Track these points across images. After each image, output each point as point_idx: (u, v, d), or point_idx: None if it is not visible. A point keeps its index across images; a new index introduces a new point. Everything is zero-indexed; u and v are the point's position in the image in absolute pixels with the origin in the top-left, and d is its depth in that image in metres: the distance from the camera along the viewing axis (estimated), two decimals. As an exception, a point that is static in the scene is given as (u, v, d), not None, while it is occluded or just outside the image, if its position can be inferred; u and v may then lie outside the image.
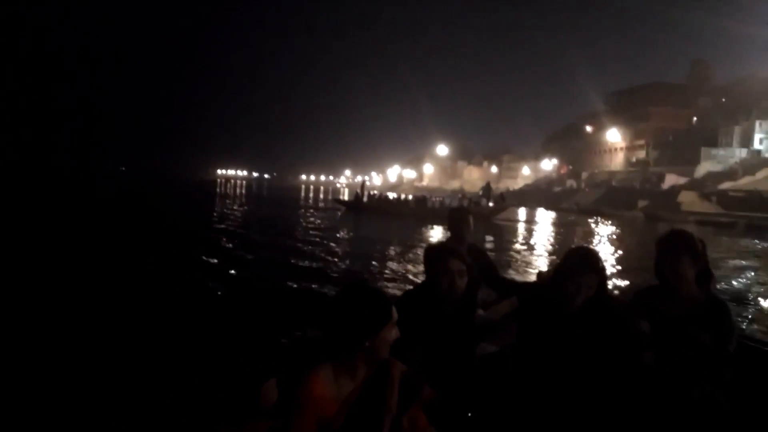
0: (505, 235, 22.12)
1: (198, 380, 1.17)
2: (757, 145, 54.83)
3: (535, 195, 65.02)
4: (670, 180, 52.52)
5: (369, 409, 1.57)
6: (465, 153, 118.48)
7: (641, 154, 68.45)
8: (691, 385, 2.10)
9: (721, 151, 55.63)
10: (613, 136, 73.43)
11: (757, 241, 23.53)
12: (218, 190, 71.75)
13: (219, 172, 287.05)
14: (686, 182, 51.17)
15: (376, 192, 52.36)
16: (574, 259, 2.26)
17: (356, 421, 1.53)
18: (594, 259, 2.24)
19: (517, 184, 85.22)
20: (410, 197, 39.99)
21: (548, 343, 2.21)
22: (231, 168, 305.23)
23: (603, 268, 2.24)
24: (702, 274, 2.25)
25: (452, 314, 2.35)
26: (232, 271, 10.33)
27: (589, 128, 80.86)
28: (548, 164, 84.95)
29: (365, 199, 35.02)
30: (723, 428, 2.03)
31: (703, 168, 53.71)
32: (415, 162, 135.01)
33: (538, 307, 2.32)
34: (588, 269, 2.19)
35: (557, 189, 67.48)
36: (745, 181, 46.30)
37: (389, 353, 1.66)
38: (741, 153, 54.62)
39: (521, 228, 28.10)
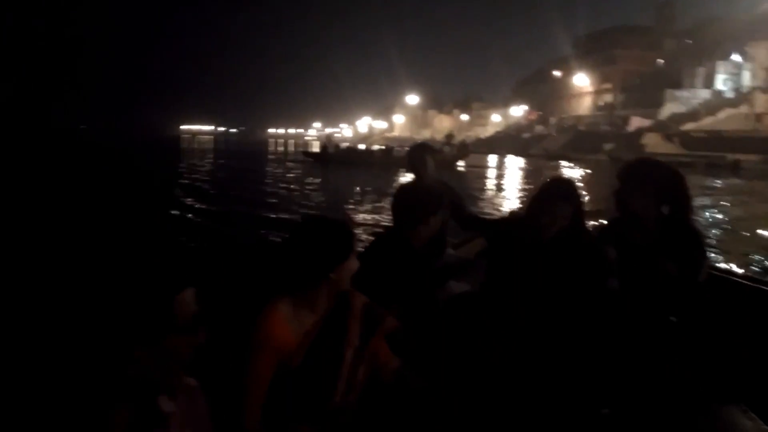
0: (471, 181, 22.33)
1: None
2: (719, 86, 55.64)
3: (505, 142, 65.17)
4: (635, 122, 53.19)
5: (330, 341, 1.55)
6: (435, 102, 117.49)
7: (608, 97, 68.84)
8: (657, 314, 2.10)
9: (684, 93, 56.34)
10: (581, 80, 73.51)
11: (717, 180, 24.21)
12: (183, 146, 70.08)
13: (184, 128, 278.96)
14: (651, 124, 51.93)
15: (346, 144, 51.94)
16: (550, 188, 2.24)
17: (317, 355, 1.51)
18: (570, 188, 2.23)
19: (488, 131, 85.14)
20: (376, 147, 40.20)
21: (520, 276, 2.20)
22: (196, 123, 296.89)
23: (579, 198, 2.22)
24: (675, 204, 2.20)
25: (422, 256, 2.28)
26: (196, 221, 10.28)
27: (557, 73, 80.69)
28: (518, 111, 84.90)
29: (332, 150, 35.10)
30: (688, 357, 2.05)
31: (668, 110, 54.45)
32: (386, 112, 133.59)
33: (511, 239, 2.29)
34: (563, 198, 2.18)
35: (526, 135, 67.74)
36: (707, 122, 47.20)
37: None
38: (704, 94, 55.46)
39: (490, 174, 28.52)
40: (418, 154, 3.26)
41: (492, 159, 42.00)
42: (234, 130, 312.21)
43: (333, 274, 1.54)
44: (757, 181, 24.28)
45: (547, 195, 2.21)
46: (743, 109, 47.15)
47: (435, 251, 2.48)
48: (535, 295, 2.17)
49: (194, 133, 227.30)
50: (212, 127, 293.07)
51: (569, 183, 2.28)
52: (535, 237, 2.22)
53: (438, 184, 3.08)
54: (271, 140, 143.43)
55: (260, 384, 1.47)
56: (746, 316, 2.35)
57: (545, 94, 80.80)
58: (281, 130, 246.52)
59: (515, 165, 37.29)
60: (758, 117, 43.43)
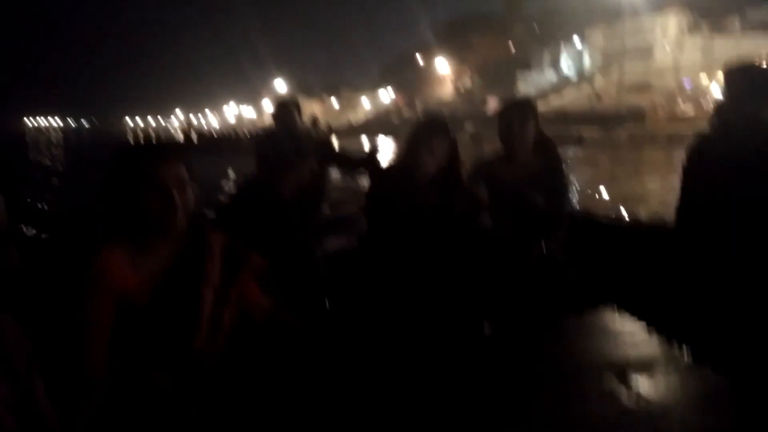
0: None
1: None
2: (564, 69, 61.34)
3: (376, 127, 66.15)
4: (493, 104, 56.64)
5: (183, 280, 1.44)
6: (305, 87, 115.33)
7: (467, 82, 72.89)
8: (529, 245, 2.29)
9: (534, 75, 61.51)
10: (442, 65, 76.83)
11: (568, 152, 26.76)
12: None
13: (28, 122, 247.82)
14: (507, 105, 55.61)
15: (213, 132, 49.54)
16: (426, 124, 2.29)
17: (167, 294, 1.41)
18: (446, 124, 2.29)
19: (358, 117, 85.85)
20: (245, 133, 39.07)
21: (399, 219, 2.23)
22: (42, 115, 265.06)
23: (453, 135, 2.29)
24: (539, 141, 2.46)
25: (293, 207, 2.28)
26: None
27: (421, 58, 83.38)
28: (386, 95, 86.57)
29: (196, 139, 33.52)
30: (562, 282, 2.20)
31: (520, 91, 58.84)
32: (254, 98, 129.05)
33: (389, 181, 2.32)
34: (440, 134, 2.23)
35: (396, 120, 69.34)
36: (554, 101, 51.75)
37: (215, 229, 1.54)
38: (550, 76, 60.90)
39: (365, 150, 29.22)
40: (285, 108, 3.22)
41: (364, 140, 42.80)
42: (86, 124, 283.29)
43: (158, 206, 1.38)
44: (598, 150, 27.19)
45: (423, 131, 2.27)
46: (585, 89, 52.30)
47: (310, 205, 2.50)
48: (414, 238, 2.22)
49: (38, 128, 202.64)
50: (59, 123, 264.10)
51: (444, 119, 2.37)
52: (414, 176, 2.26)
53: (307, 135, 3.07)
54: (130, 131, 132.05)
55: (99, 327, 1.36)
56: (606, 242, 2.71)
57: (411, 79, 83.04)
58: (140, 121, 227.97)
59: (388, 144, 38.27)
60: (598, 96, 48.36)
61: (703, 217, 1.92)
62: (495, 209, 2.38)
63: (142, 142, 1.47)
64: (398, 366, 1.76)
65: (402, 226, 2.27)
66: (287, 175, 2.24)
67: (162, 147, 1.47)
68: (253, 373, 1.59)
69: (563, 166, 2.53)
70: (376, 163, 2.59)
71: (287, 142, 2.32)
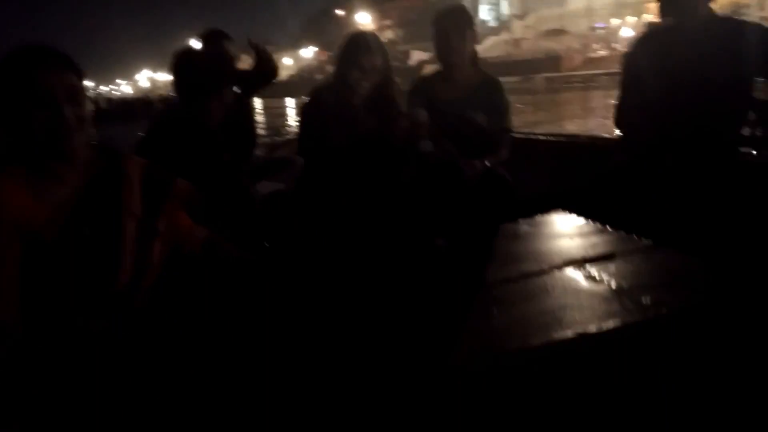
0: (274, 118, 22.39)
1: None
2: (483, 16, 61.64)
3: (300, 85, 64.63)
4: (416, 56, 56.45)
5: (97, 212, 1.30)
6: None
7: (390, 34, 71.90)
8: (472, 163, 2.24)
9: (455, 26, 61.64)
10: (363, 18, 75.35)
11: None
12: None
13: None
14: (429, 57, 55.49)
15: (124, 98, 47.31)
16: (355, 40, 2.16)
17: (81, 227, 1.26)
18: (375, 39, 2.17)
19: (281, 75, 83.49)
20: (157, 97, 37.58)
21: (335, 149, 2.13)
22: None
23: (385, 49, 2.18)
24: (476, 59, 2.41)
25: (221, 143, 2.12)
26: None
27: (341, 12, 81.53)
28: (308, 52, 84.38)
29: (104, 106, 32.17)
30: (509, 200, 2.25)
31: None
32: (169, 64, 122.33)
33: (321, 106, 2.19)
34: (371, 50, 2.11)
35: (319, 77, 68.02)
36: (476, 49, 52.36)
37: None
38: (471, 25, 61.28)
39: (290, 112, 28.69)
40: (212, 38, 3.00)
41: (289, 101, 41.92)
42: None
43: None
44: (516, 96, 27.99)
45: (352, 48, 2.15)
46: (504, 36, 52.98)
47: (239, 141, 2.35)
48: (353, 168, 2.15)
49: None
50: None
51: (373, 34, 2.24)
52: (348, 98, 2.15)
53: (231, 62, 2.89)
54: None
55: (1, 265, 1.19)
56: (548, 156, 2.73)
57: (333, 33, 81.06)
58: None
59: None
60: (516, 42, 49.23)
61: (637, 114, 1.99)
62: (436, 131, 2.31)
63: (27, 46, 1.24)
64: (349, 295, 1.66)
65: (339, 157, 2.16)
66: (211, 102, 2.07)
67: (48, 50, 1.24)
68: (190, 313, 1.44)
69: (501, 83, 2.48)
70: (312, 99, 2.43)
71: (210, 67, 2.11)
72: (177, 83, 2.11)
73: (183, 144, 1.96)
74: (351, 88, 2.13)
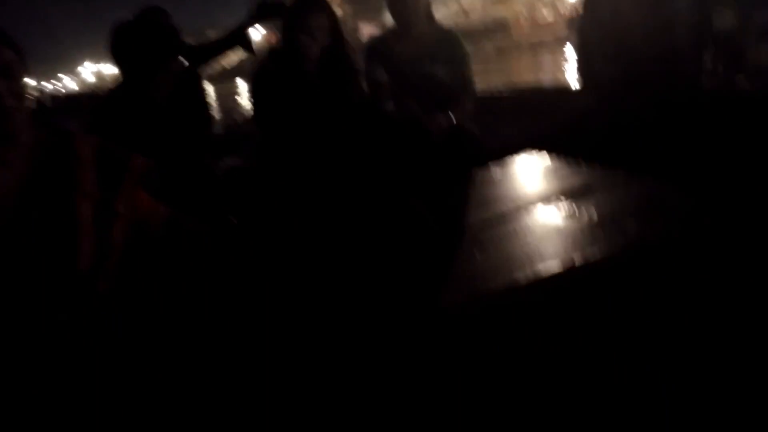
0: (225, 100, 22.11)
1: None
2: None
3: (251, 67, 63.45)
4: (366, 30, 55.95)
5: (49, 195, 1.22)
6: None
7: (338, 10, 71.04)
8: (436, 119, 2.18)
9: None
10: (311, -5, 74.45)
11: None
12: None
13: None
14: (379, 30, 55.16)
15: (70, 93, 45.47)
16: (299, 3, 2.06)
17: (30, 211, 1.20)
18: (321, 0, 2.07)
19: (232, 60, 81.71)
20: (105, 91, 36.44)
21: (292, 119, 2.04)
22: None
23: (331, 8, 2.10)
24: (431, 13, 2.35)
25: (171, 118, 2.03)
26: None
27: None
28: (257, 35, 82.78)
29: (49, 104, 30.76)
30: (478, 154, 2.14)
31: (388, 16, 58.41)
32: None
33: (271, 77, 2.09)
34: (316, 10, 2.02)
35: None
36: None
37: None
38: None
39: (242, 91, 28.50)
40: (149, 15, 2.86)
41: (240, 83, 41.54)
42: None
43: None
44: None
45: (297, 11, 2.06)
46: (452, 6, 52.86)
47: (193, 115, 2.25)
48: (313, 136, 2.07)
49: None
50: None
51: None
52: (299, 71, 2.06)
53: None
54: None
55: None
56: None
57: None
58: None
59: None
60: (465, 12, 49.20)
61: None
62: (395, 89, 2.26)
63: None
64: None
65: (296, 128, 2.08)
66: (155, 74, 1.98)
67: None
68: (158, 294, 1.37)
69: (459, 36, 2.43)
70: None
71: (149, 37, 2.00)
72: (117, 58, 1.99)
73: (131, 119, 1.86)
74: (300, 53, 2.03)
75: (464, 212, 1.32)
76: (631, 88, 1.90)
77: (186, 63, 2.38)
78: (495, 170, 1.54)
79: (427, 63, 2.29)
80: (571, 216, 1.16)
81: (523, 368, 0.97)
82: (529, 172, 1.51)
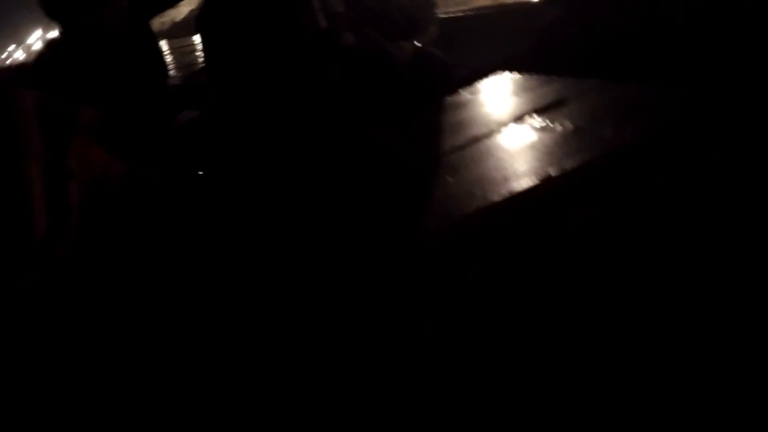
0: (185, 56, 21.54)
1: None
2: None
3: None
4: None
5: None
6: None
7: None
8: (400, 46, 2.10)
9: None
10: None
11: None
12: None
13: None
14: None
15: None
16: None
17: None
18: None
19: (181, 13, 78.46)
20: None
21: (247, 58, 1.90)
22: None
23: None
24: None
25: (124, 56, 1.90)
26: None
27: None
28: None
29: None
30: (446, 79, 2.10)
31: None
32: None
33: (214, 21, 1.94)
34: None
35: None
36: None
37: None
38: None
39: (197, 48, 27.69)
40: None
41: (196, 38, 39.92)
42: None
43: None
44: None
45: None
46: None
47: (146, 60, 2.10)
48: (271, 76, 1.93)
49: None
50: None
51: None
52: (249, 5, 1.90)
53: None
54: None
55: None
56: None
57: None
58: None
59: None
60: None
61: None
62: (355, 20, 2.14)
63: None
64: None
65: (250, 72, 1.96)
66: (101, 13, 1.82)
67: None
68: (121, 256, 1.27)
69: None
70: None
71: None
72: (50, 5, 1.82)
73: (76, 68, 1.72)
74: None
75: (434, 139, 1.27)
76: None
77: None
78: (464, 94, 1.47)
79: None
80: (545, 131, 1.10)
81: (507, 292, 0.94)
82: (500, 93, 1.45)
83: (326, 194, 1.31)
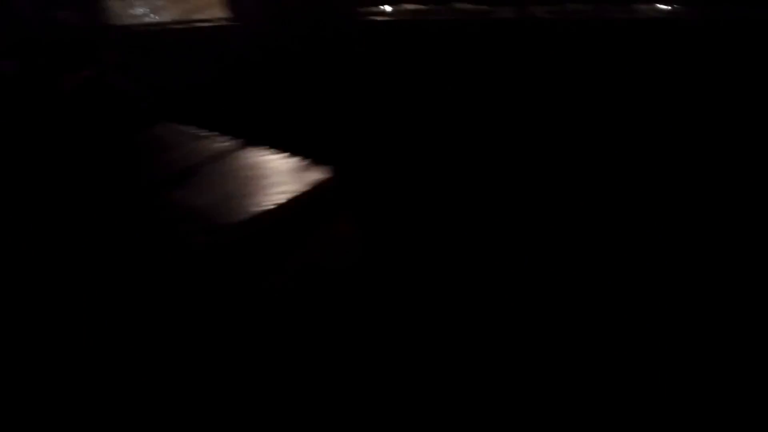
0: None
1: None
2: None
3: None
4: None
5: None
6: None
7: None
8: (63, 76, 1.82)
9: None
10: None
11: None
12: None
13: None
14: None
15: None
16: None
17: None
18: None
19: None
20: None
21: None
22: None
23: None
24: None
25: None
26: None
27: None
28: None
29: None
30: (122, 107, 1.88)
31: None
32: None
33: None
34: None
35: None
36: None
37: None
38: None
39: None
40: None
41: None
42: None
43: None
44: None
45: None
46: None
47: None
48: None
49: None
50: None
51: None
52: None
53: None
54: None
55: None
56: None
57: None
58: None
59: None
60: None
61: None
62: (16, 46, 1.84)
63: None
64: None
65: None
66: None
67: None
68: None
69: None
70: None
71: None
72: None
73: None
74: None
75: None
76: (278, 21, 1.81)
77: None
78: (144, 137, 1.38)
79: (44, 5, 1.87)
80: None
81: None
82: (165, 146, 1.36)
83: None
